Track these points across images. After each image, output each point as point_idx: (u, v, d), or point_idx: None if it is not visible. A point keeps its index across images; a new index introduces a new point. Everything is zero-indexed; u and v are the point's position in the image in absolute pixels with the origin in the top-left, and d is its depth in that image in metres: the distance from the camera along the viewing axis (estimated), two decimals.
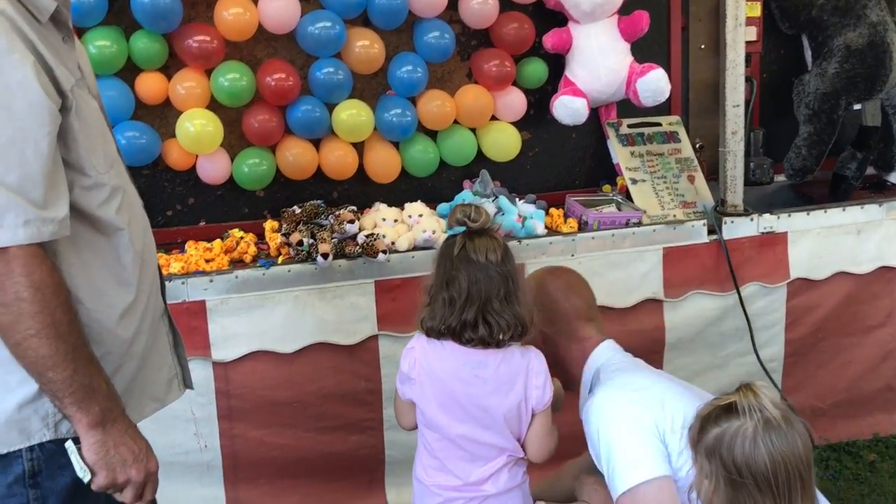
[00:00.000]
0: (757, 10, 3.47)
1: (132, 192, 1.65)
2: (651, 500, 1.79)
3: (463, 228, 1.94)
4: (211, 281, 2.61)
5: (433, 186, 3.19)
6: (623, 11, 3.17)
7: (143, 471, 1.50)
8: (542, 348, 2.03)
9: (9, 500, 1.45)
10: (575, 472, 2.36)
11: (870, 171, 3.56)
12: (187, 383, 1.78)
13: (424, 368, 1.96)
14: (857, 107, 3.50)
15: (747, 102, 3.17)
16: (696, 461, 1.61)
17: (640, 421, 1.86)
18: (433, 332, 1.94)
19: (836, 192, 3.49)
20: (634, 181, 3.20)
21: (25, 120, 1.35)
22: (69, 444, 1.46)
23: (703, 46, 3.47)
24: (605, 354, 2.10)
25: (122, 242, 1.54)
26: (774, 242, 3.08)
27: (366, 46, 2.93)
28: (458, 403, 1.94)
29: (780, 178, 3.52)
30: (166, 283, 1.89)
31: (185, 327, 1.93)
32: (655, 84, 3.12)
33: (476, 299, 1.88)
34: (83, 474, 1.46)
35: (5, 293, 1.34)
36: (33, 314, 1.35)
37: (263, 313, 2.64)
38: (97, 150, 1.50)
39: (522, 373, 1.96)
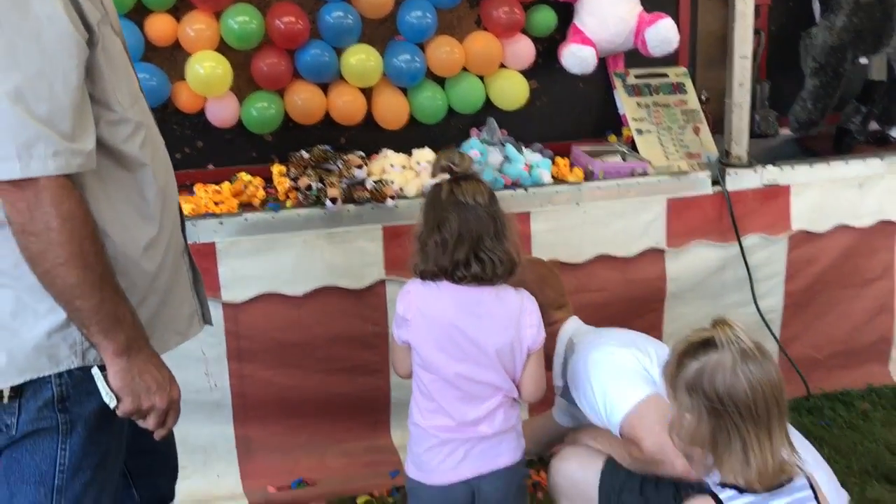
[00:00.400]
0: None
1: (155, 129, 1.67)
2: (652, 412, 1.97)
3: (447, 176, 1.99)
4: (221, 223, 2.64)
5: (441, 134, 3.19)
6: None
7: (167, 398, 1.54)
8: None
9: (39, 423, 1.50)
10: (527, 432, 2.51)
11: (874, 125, 3.57)
12: (206, 319, 1.82)
13: (420, 309, 1.99)
14: (863, 61, 3.49)
15: (755, 54, 3.16)
16: (675, 398, 1.64)
17: (623, 358, 2.12)
18: (427, 275, 1.99)
19: (840, 145, 3.50)
20: (640, 132, 3.22)
21: (55, 53, 1.36)
22: (95, 371, 1.50)
23: None
24: (574, 325, 2.35)
25: (146, 177, 1.57)
26: (777, 195, 3.11)
27: None
28: (453, 342, 1.98)
29: (785, 131, 3.54)
30: None
31: None
32: (664, 34, 3.11)
33: (467, 239, 1.93)
34: (109, 400, 1.50)
35: (35, 223, 1.37)
36: (62, 243, 1.38)
37: (273, 256, 2.67)
38: (122, 86, 1.52)
39: (516, 312, 2.01)
